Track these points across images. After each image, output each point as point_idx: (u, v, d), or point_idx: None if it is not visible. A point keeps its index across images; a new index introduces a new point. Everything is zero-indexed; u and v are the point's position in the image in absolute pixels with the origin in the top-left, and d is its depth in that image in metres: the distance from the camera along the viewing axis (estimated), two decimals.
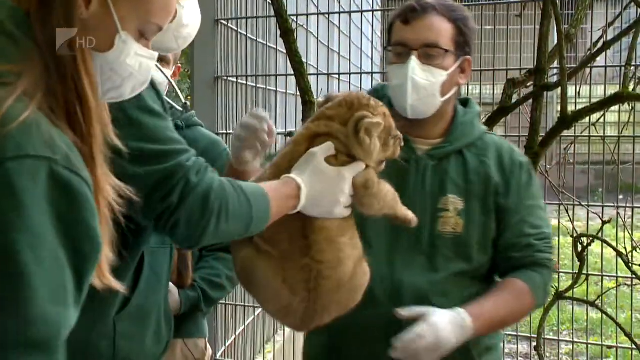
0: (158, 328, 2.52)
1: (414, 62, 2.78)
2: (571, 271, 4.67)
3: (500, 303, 2.76)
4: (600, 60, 4.69)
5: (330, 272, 2.39)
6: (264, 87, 5.82)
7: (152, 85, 2.06)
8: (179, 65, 3.68)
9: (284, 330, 6.76)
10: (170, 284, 3.25)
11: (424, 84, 2.79)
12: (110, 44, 1.74)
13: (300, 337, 6.26)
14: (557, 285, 4.74)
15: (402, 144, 2.51)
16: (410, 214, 2.53)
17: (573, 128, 4.47)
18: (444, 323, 2.57)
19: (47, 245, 1.49)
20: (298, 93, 4.65)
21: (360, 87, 7.27)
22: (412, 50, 2.79)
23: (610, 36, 4.39)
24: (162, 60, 3.49)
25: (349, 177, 2.36)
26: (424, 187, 2.83)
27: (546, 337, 6.01)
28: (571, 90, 4.96)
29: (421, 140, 2.89)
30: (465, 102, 3.03)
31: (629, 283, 5.53)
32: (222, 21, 5.35)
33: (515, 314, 2.85)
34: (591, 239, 4.67)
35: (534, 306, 2.87)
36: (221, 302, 5.23)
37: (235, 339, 5.66)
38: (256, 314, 5.94)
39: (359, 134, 2.35)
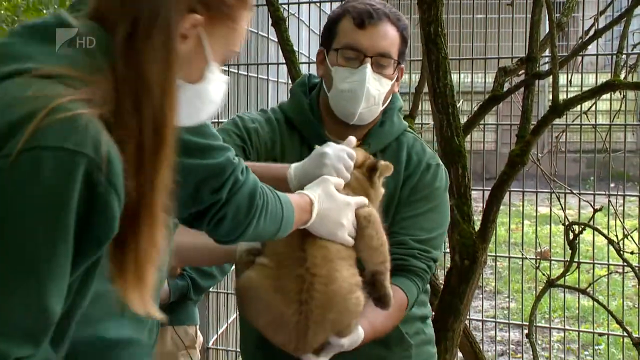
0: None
1: (368, 70, 2.73)
2: (562, 259, 4.69)
3: (388, 318, 2.69)
4: (591, 48, 4.70)
5: (323, 287, 2.42)
6: (256, 75, 5.81)
7: None
8: None
9: None
10: None
11: (374, 94, 2.75)
12: (200, 75, 1.80)
13: None
14: (548, 273, 4.75)
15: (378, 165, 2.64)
16: (391, 295, 2.54)
17: (564, 116, 4.48)
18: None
19: (64, 242, 1.49)
20: (289, 82, 4.65)
21: None
22: (366, 57, 2.73)
23: (601, 24, 4.39)
24: None
25: (354, 206, 2.48)
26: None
27: (538, 324, 6.03)
28: (563, 79, 4.96)
29: (340, 142, 2.78)
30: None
31: (620, 271, 5.55)
32: None
33: (394, 325, 2.77)
34: (583, 226, 4.68)
35: (404, 312, 2.79)
36: (213, 290, 5.24)
37: (227, 327, 5.66)
38: None
39: (373, 177, 2.56)
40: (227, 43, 1.83)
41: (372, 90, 2.74)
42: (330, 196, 2.42)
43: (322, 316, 2.42)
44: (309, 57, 6.37)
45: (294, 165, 2.56)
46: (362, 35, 2.74)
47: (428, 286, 2.99)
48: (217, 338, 5.50)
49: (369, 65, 2.72)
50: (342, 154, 2.53)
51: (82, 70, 1.57)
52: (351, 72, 2.75)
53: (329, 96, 2.81)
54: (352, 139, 2.65)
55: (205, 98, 1.84)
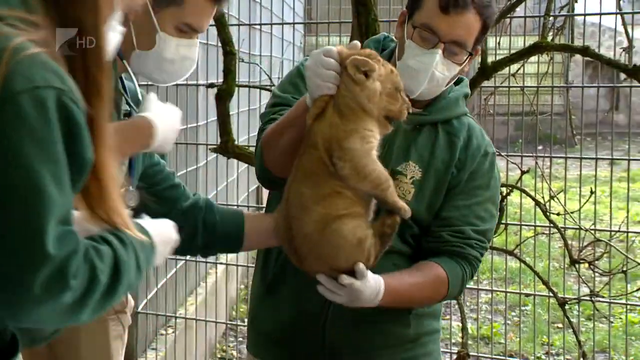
0: None
1: (439, 55, 2.69)
2: None
3: (416, 286, 2.72)
4: (519, 10, 4.74)
5: (295, 223, 2.50)
6: None
7: None
8: None
9: (206, 282, 6.76)
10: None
11: (439, 77, 2.73)
12: (151, 42, 2.28)
13: (222, 289, 6.27)
14: None
15: (410, 111, 2.54)
16: (401, 204, 2.50)
17: (493, 79, 4.52)
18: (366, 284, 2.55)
19: (62, 171, 1.61)
20: (219, 44, 4.61)
21: (282, 38, 7.22)
22: (440, 42, 2.69)
23: None
24: None
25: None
26: (391, 147, 2.78)
27: (466, 286, 6.09)
28: (491, 41, 4.99)
29: None
30: (458, 81, 2.95)
31: (547, 232, 5.63)
32: None
33: (426, 299, 2.80)
34: (510, 188, 4.74)
35: (446, 297, 2.83)
36: None
37: (157, 291, 5.64)
38: (178, 266, 5.92)
39: (355, 75, 2.44)
40: (175, 14, 2.13)
41: (437, 74, 2.72)
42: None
43: (305, 252, 2.52)
44: (238, 19, 6.32)
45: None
46: (442, 19, 2.68)
47: None
48: (146, 303, 5.47)
49: (439, 51, 2.69)
50: (318, 57, 2.48)
51: (24, 12, 1.67)
52: (422, 52, 2.71)
53: (397, 64, 2.76)
54: (356, 43, 2.58)
55: (163, 61, 2.16)
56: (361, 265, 2.49)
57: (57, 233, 1.60)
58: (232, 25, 5.01)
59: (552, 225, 4.78)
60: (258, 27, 7.50)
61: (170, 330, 5.90)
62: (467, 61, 2.77)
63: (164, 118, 2.51)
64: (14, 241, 1.57)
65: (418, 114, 2.81)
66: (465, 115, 2.91)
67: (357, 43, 2.59)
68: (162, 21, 2.53)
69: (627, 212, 5.56)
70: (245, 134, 7.61)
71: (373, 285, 2.54)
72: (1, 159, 1.56)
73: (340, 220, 2.47)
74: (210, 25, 5.02)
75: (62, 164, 1.61)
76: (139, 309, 5.34)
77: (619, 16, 5.08)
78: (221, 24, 4.43)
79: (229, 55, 4.48)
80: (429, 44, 2.71)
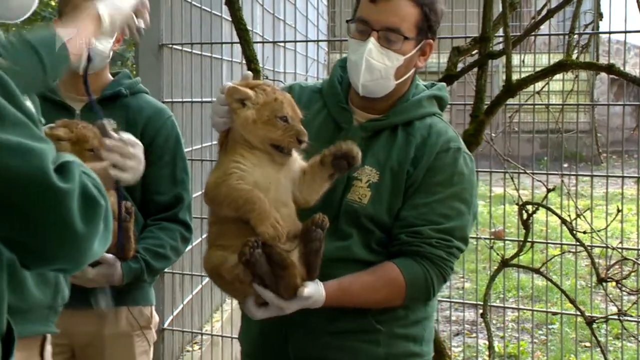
0: (40, 274, 2.47)
1: (371, 43, 2.73)
2: (517, 239, 4.71)
3: (366, 286, 2.71)
4: (544, 28, 4.73)
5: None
6: (210, 54, 5.78)
7: None
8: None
9: (232, 299, 6.76)
10: (112, 256, 3.22)
11: (379, 67, 2.75)
12: None
13: None
14: (503, 253, 4.77)
15: (302, 139, 2.56)
16: (262, 228, 2.49)
17: (518, 96, 4.50)
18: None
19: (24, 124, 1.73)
20: (244, 61, 4.63)
21: (306, 55, 7.25)
22: (372, 30, 2.74)
23: (554, 4, 4.41)
24: None
25: None
26: None
27: (492, 304, 6.06)
28: (516, 59, 4.98)
29: (363, 113, 2.87)
30: (432, 85, 2.98)
31: (573, 250, 5.58)
32: None
33: (382, 300, 2.75)
34: (536, 206, 4.71)
35: (405, 298, 2.75)
36: (168, 270, 5.22)
37: (182, 307, 5.65)
38: (204, 282, 5.93)
39: (231, 104, 2.57)
40: None
41: (375, 64, 2.75)
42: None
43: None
44: (262, 37, 6.35)
45: None
46: (372, 9, 2.75)
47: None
48: (172, 319, 5.48)
49: (371, 39, 2.73)
50: (217, 94, 2.64)
51: None
52: (359, 45, 2.77)
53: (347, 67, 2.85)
54: (247, 74, 2.70)
55: None
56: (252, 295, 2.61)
57: (57, 172, 1.70)
58: (256, 42, 5.02)
59: (578, 243, 4.75)
60: (282, 44, 7.52)
61: (196, 347, 5.90)
62: (415, 52, 2.79)
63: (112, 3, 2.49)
64: (34, 208, 1.67)
65: (375, 119, 2.84)
66: (434, 116, 2.89)
67: (249, 74, 2.70)
68: None
69: None
70: None
71: (312, 294, 2.59)
72: None
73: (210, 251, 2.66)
74: (235, 43, 5.06)
75: (18, 120, 1.69)
76: (165, 325, 5.35)
77: None
78: (246, 41, 4.44)
79: (254, 72, 4.49)
80: (364, 36, 2.77)
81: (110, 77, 3.60)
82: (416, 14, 2.75)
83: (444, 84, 3.04)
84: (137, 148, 2.70)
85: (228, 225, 2.59)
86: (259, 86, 2.60)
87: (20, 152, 1.65)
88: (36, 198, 1.67)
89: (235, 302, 6.62)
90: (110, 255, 3.22)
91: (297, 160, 2.64)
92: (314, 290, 2.60)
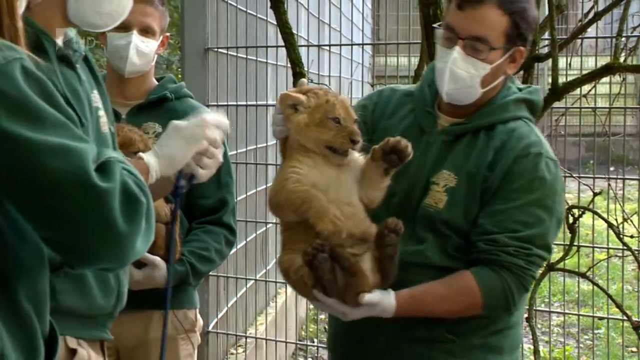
0: (103, 281, 2.48)
1: (456, 52, 2.69)
2: (562, 243, 4.68)
3: (439, 296, 2.68)
4: (591, 31, 4.68)
5: None
6: (255, 58, 5.80)
7: None
8: (167, 35, 3.66)
9: (276, 302, 6.77)
10: (158, 258, 3.25)
11: (463, 75, 2.71)
12: None
13: (292, 309, 6.27)
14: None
15: (356, 140, 2.55)
16: (323, 225, 2.49)
17: (564, 100, 4.47)
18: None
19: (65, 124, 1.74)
20: (289, 64, 4.63)
21: (351, 59, 7.25)
22: (458, 38, 2.70)
23: (601, 7, 4.37)
24: (147, 31, 3.48)
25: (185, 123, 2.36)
26: (426, 159, 2.77)
27: (537, 308, 6.01)
28: (562, 62, 4.94)
29: (448, 117, 2.83)
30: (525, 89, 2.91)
31: (620, 254, 5.53)
32: None
33: (453, 310, 2.70)
34: (582, 210, 4.68)
35: (482, 308, 2.69)
36: (212, 274, 5.24)
37: (227, 310, 5.66)
38: (248, 285, 5.95)
39: (285, 110, 2.61)
40: None
41: (460, 73, 2.70)
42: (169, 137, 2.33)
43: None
44: (307, 40, 6.35)
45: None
46: (459, 16, 2.71)
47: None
48: (217, 322, 5.50)
49: (457, 48, 2.69)
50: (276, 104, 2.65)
51: None
52: (445, 52, 2.74)
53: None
54: (302, 81, 2.76)
55: (102, 2, 2.22)
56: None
57: (97, 172, 1.72)
58: (301, 46, 5.03)
59: (625, 247, 4.71)
60: (327, 48, 7.53)
61: (240, 350, 5.92)
62: (503, 60, 2.73)
63: (169, 152, 2.33)
64: (76, 208, 1.69)
65: (457, 124, 2.81)
66: (519, 120, 2.81)
67: (304, 81, 2.76)
68: None
69: None
70: None
71: (377, 302, 2.59)
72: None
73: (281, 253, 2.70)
74: (280, 46, 5.07)
75: (58, 121, 1.70)
76: (210, 329, 5.37)
77: None
78: (291, 44, 4.45)
79: (299, 75, 4.50)
80: (451, 43, 2.72)
81: (155, 82, 3.63)
82: (505, 22, 2.69)
83: (538, 87, 2.97)
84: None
85: (296, 229, 2.61)
86: (311, 91, 2.62)
87: (61, 153, 1.67)
88: (78, 198, 1.69)
89: (279, 305, 6.64)
90: (157, 257, 3.25)
91: (359, 160, 2.63)
92: (378, 299, 2.59)
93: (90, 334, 2.45)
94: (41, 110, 1.68)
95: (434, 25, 2.83)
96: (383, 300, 2.59)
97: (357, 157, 2.63)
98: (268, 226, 6.28)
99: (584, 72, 4.21)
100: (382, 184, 2.63)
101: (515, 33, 2.71)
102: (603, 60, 4.27)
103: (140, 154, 2.32)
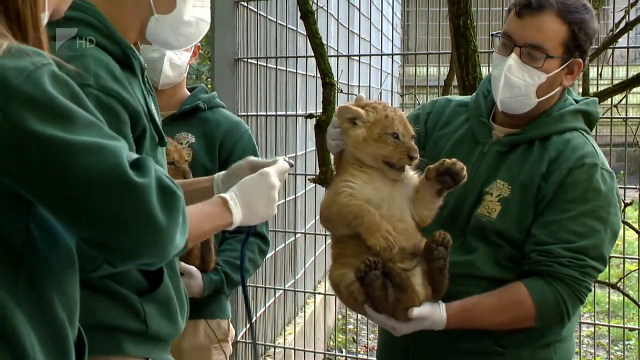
0: (181, 303, 2.49)
1: (512, 59, 2.69)
2: None
3: (490, 308, 2.68)
4: (622, 41, 4.67)
5: None
6: (284, 68, 5.81)
7: None
8: (198, 45, 3.68)
9: (304, 311, 6.78)
10: (194, 267, 3.27)
11: (518, 83, 2.70)
12: (171, 5, 2.30)
13: (320, 319, 6.27)
14: None
15: (413, 156, 2.55)
16: (373, 241, 2.49)
17: None
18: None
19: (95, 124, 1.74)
20: (318, 75, 4.65)
21: (381, 69, 7.25)
22: (515, 46, 2.70)
23: (632, 17, 4.36)
24: None
25: (274, 174, 2.37)
26: (479, 169, 2.77)
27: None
28: (593, 72, 4.93)
29: (501, 128, 2.82)
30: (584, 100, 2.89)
31: None
32: (242, 3, 5.34)
33: (504, 322, 2.69)
34: None
35: (535, 320, 2.67)
36: None
37: (256, 320, 5.67)
38: (277, 295, 5.95)
39: (342, 124, 2.62)
40: None
41: (515, 80, 2.70)
42: (246, 186, 2.34)
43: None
44: (337, 50, 6.36)
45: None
46: (517, 23, 2.71)
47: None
48: (246, 332, 5.51)
49: (513, 55, 2.69)
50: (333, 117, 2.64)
51: None
52: (501, 60, 2.74)
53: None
54: (360, 96, 2.73)
55: (181, 24, 2.30)
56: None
57: (132, 168, 1.72)
58: (331, 56, 5.04)
59: None
60: (356, 58, 7.53)
61: (269, 359, 5.93)
62: (560, 70, 2.71)
63: (248, 193, 2.34)
64: (115, 205, 1.69)
65: (512, 134, 2.79)
66: (575, 131, 2.78)
67: (362, 96, 2.72)
68: None
69: None
70: None
71: (427, 316, 2.59)
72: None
73: (332, 267, 2.70)
74: (309, 57, 5.09)
75: (89, 121, 1.71)
76: (239, 338, 5.38)
77: None
78: (320, 55, 4.47)
79: (328, 86, 4.51)
80: (507, 51, 2.72)
81: (187, 92, 3.65)
82: (563, 31, 2.68)
83: (595, 99, 2.94)
84: None
85: (347, 244, 2.62)
86: (369, 105, 2.63)
87: (95, 151, 1.67)
88: (116, 195, 1.69)
89: (307, 314, 6.65)
90: (192, 267, 3.27)
91: (414, 177, 2.64)
92: (428, 312, 2.59)
93: (158, 356, 2.44)
94: (71, 111, 1.68)
95: (493, 33, 2.81)
96: (433, 314, 2.60)
97: (412, 174, 2.64)
98: (297, 236, 6.30)
99: (615, 82, 4.20)
100: (434, 204, 2.63)
101: (573, 43, 2.69)
102: (634, 70, 4.27)
103: (223, 195, 2.30)
